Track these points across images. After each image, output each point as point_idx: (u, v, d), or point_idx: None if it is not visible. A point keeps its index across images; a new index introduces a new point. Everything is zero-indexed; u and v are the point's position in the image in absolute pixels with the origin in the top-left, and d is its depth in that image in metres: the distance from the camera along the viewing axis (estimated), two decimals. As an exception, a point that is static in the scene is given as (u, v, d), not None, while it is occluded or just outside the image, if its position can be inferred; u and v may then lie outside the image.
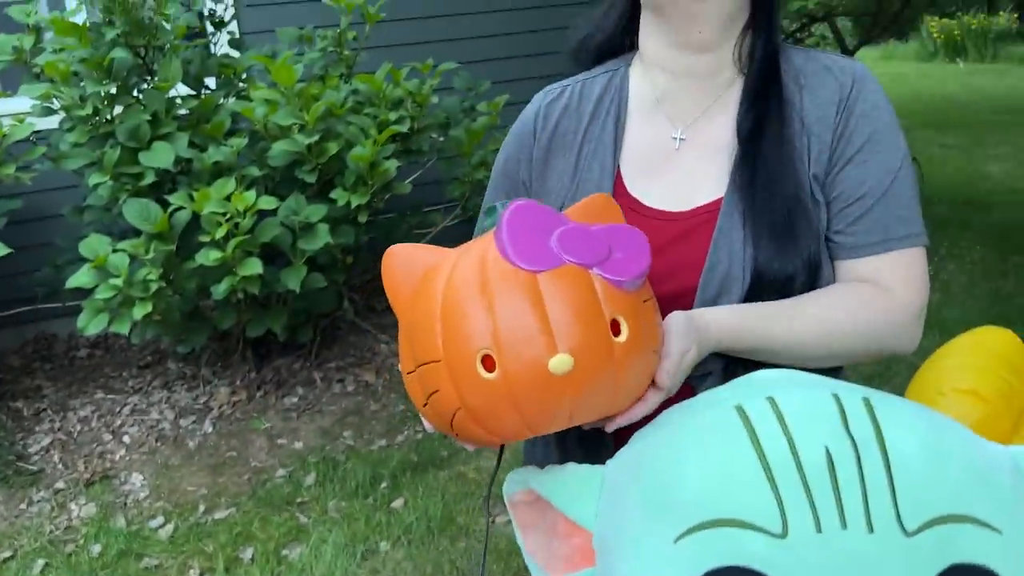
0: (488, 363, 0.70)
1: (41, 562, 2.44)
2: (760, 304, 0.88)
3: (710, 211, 0.93)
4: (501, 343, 0.69)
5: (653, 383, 0.78)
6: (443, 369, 0.71)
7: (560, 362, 0.68)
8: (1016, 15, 12.97)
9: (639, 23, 1.01)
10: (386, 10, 3.31)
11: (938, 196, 5.67)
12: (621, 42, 1.05)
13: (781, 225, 0.89)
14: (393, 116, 2.92)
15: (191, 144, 2.79)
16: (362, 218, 2.79)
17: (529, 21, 4.37)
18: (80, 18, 2.81)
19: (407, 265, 0.78)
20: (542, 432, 0.74)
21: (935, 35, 13.69)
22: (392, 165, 2.74)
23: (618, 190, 0.98)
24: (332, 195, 2.76)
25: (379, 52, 3.69)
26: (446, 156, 3.44)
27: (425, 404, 0.75)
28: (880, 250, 0.92)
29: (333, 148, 2.73)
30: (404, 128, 2.90)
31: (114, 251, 2.53)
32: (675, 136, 0.98)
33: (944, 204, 5.50)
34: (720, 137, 0.96)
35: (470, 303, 0.71)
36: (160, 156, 2.59)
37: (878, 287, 0.91)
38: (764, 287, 0.89)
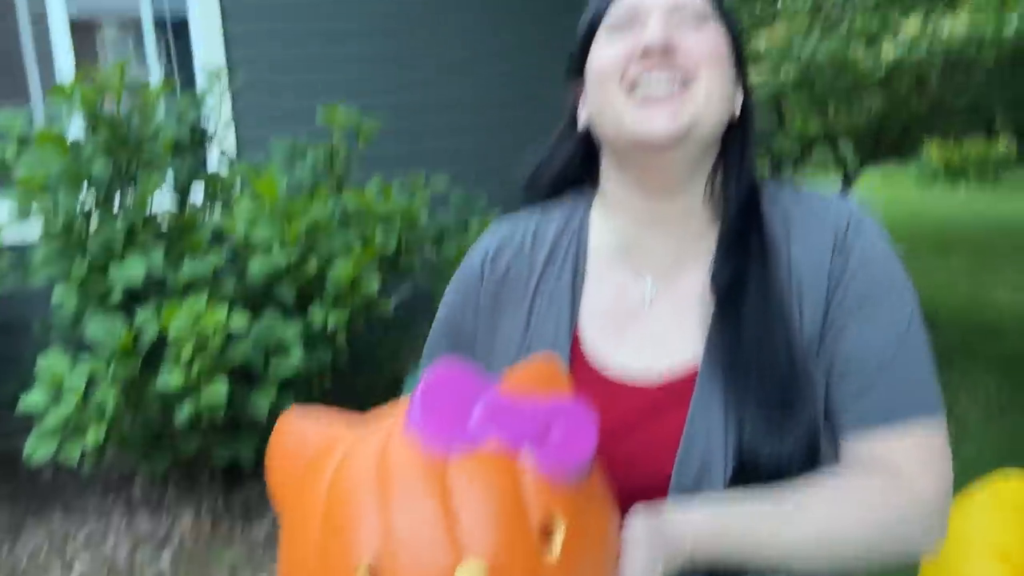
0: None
1: None
2: (746, 501, 0.72)
3: (685, 382, 0.78)
4: (393, 551, 0.54)
5: None
6: None
7: (471, 572, 0.53)
8: (1015, 144, 13.19)
9: (598, 157, 0.89)
10: (381, 122, 3.27)
11: (945, 321, 5.53)
12: (579, 175, 0.93)
13: (772, 399, 0.74)
14: (380, 233, 2.83)
15: (168, 257, 2.69)
16: (340, 338, 2.65)
17: (527, 136, 4.34)
18: (75, 130, 2.76)
19: (294, 447, 0.63)
20: None
21: (935, 160, 13.90)
22: (374, 284, 2.62)
23: (575, 354, 0.83)
24: (310, 314, 2.63)
25: (373, 163, 3.64)
26: (438, 273, 3.33)
27: None
28: (890, 427, 0.76)
29: (313, 265, 2.61)
30: (389, 247, 2.79)
31: (72, 370, 2.38)
32: (644, 292, 0.84)
33: (951, 329, 5.35)
34: (696, 293, 0.82)
35: (359, 501, 0.56)
36: (130, 271, 2.48)
37: (889, 473, 0.75)
38: (752, 474, 0.73)
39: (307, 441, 0.63)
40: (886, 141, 5.20)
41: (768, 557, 0.71)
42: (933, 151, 13.72)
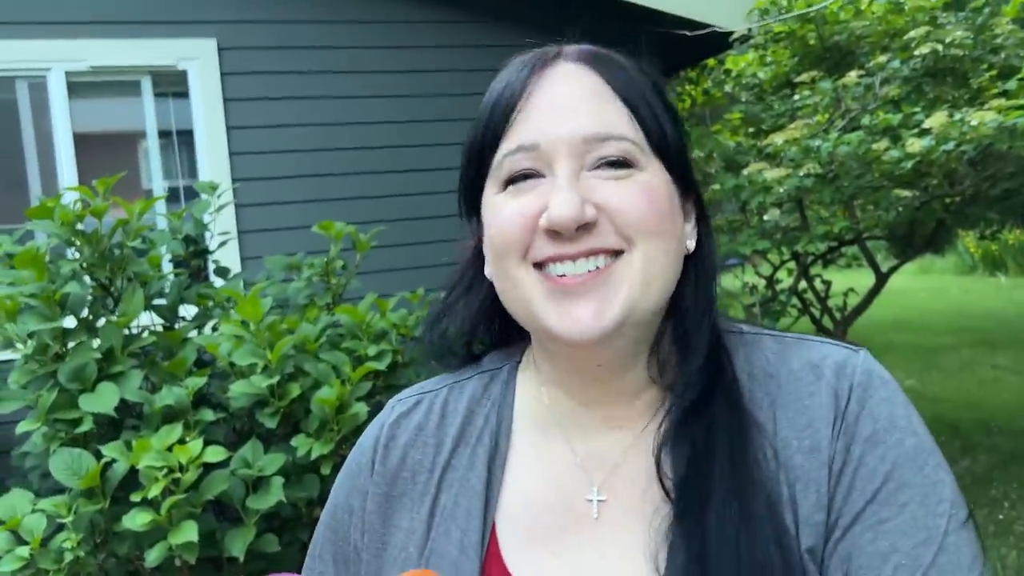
0: None
1: None
2: None
3: None
4: None
5: None
6: None
7: None
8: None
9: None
10: (379, 237, 3.15)
11: (996, 424, 5.16)
12: (502, 334, 0.72)
13: None
14: (373, 350, 2.65)
15: (148, 381, 2.53)
16: (325, 469, 2.44)
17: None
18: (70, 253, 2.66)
19: None
20: None
21: (972, 250, 13.57)
22: (362, 409, 2.43)
23: (491, 570, 0.62)
24: (293, 442, 2.43)
25: (372, 278, 3.51)
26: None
27: None
28: None
29: (296, 389, 2.43)
30: (383, 365, 2.61)
31: (34, 510, 2.19)
32: (590, 497, 0.63)
33: (1004, 435, 4.98)
34: (651, 493, 0.61)
35: None
36: (102, 400, 2.32)
37: None
38: None
39: None
40: (919, 235, 4.97)
41: None
42: (969, 242, 13.41)
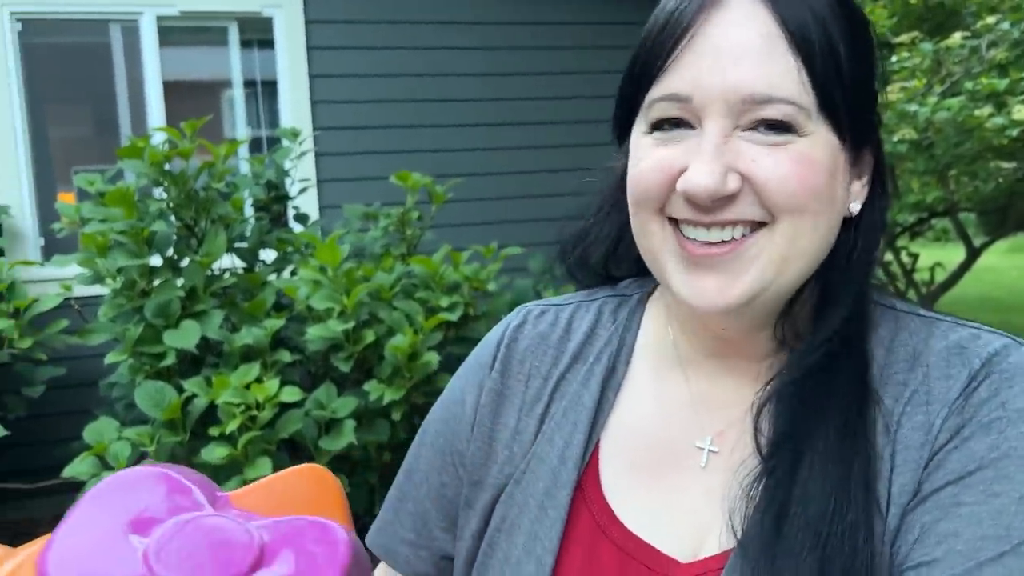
0: None
1: None
2: None
3: (715, 572, 0.56)
4: None
5: None
6: None
7: None
8: None
9: None
10: (456, 191, 3.15)
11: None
12: (641, 262, 0.70)
13: None
14: (446, 302, 2.66)
15: (228, 321, 2.60)
16: (396, 415, 2.48)
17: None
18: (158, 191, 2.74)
19: None
20: None
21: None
22: (433, 358, 2.45)
23: (587, 487, 0.61)
24: (366, 387, 2.47)
25: (447, 231, 3.52)
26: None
27: None
28: None
29: (370, 335, 2.47)
30: (454, 316, 2.62)
31: (119, 438, 2.28)
32: (700, 444, 0.61)
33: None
34: (752, 450, 0.59)
35: None
36: (185, 336, 2.39)
37: None
38: None
39: None
40: (1016, 211, 4.73)
41: None
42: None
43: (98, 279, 2.61)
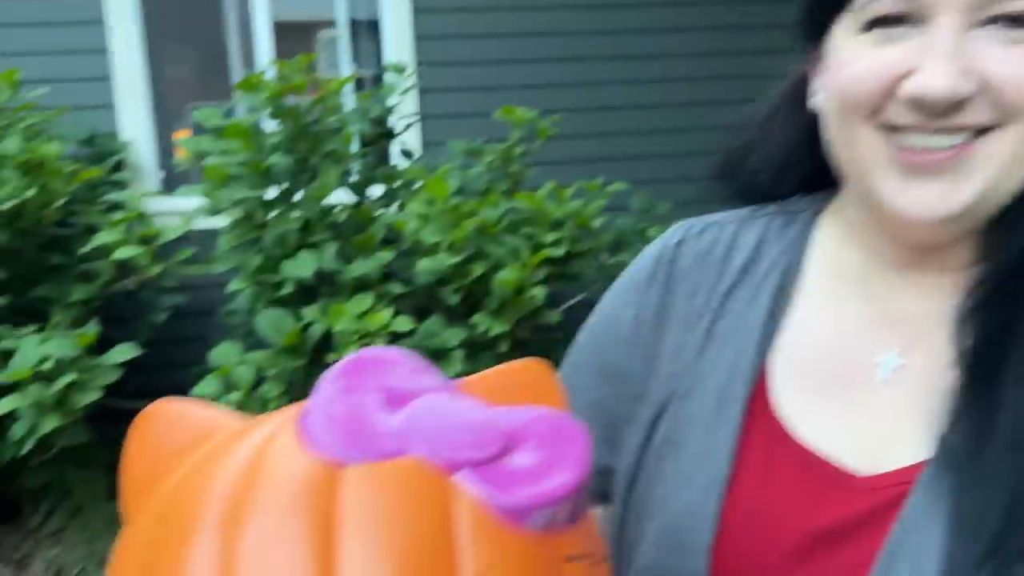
0: None
1: None
2: None
3: (899, 486, 0.55)
4: None
5: None
6: None
7: None
8: None
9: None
10: (561, 127, 3.13)
11: None
12: (812, 178, 0.66)
13: None
14: (550, 238, 2.68)
15: (340, 254, 2.68)
16: (503, 347, 2.52)
17: (713, 141, 4.06)
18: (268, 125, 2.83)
19: (165, 436, 0.44)
20: None
21: None
22: (540, 292, 2.48)
23: (758, 403, 0.61)
24: (473, 319, 2.52)
25: (551, 167, 3.51)
26: (611, 282, 3.14)
27: None
28: None
29: (479, 269, 2.51)
30: (559, 252, 2.63)
31: (241, 362, 2.40)
32: (878, 359, 0.60)
33: None
34: (944, 363, 0.57)
35: (201, 514, 0.37)
36: (302, 266, 2.48)
37: None
38: None
39: (178, 430, 0.44)
40: None
41: None
42: None
43: (218, 211, 2.73)
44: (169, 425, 0.44)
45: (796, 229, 0.66)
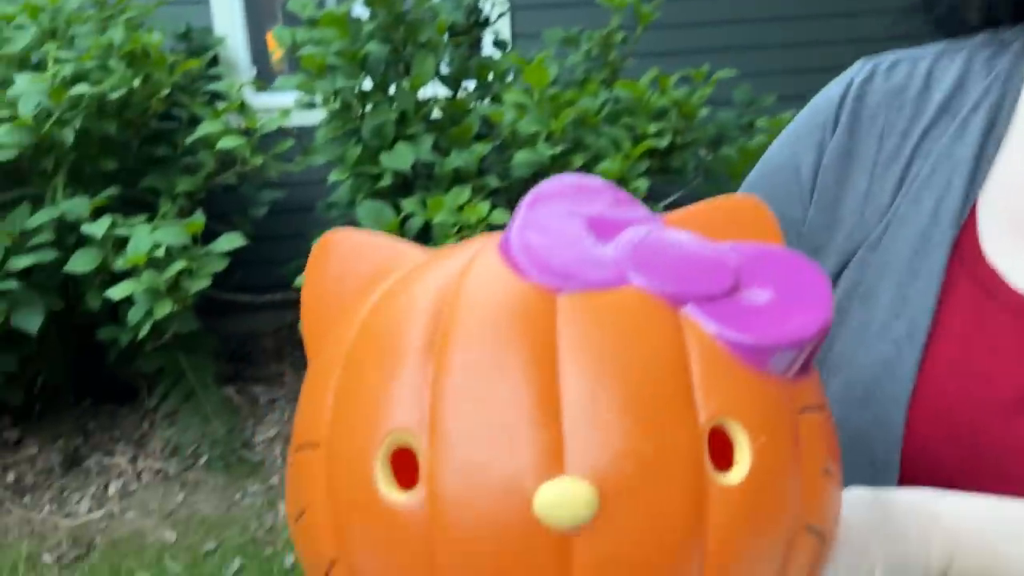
0: (404, 468, 0.34)
1: (238, 562, 2.39)
2: None
3: None
4: (440, 428, 0.32)
5: None
6: (320, 464, 0.35)
7: (564, 495, 0.30)
8: None
9: None
10: (661, 13, 2.97)
11: None
12: (1011, 9, 0.59)
13: None
14: (653, 128, 2.58)
15: (436, 147, 2.65)
16: (603, 242, 2.47)
17: (820, 31, 3.81)
18: (360, 10, 2.78)
19: (347, 264, 0.41)
20: None
21: None
22: (642, 184, 2.40)
23: (964, 249, 0.55)
24: (572, 213, 2.47)
25: (649, 59, 3.36)
26: (713, 177, 3.03)
27: (297, 521, 0.38)
28: None
29: (579, 160, 2.44)
30: (663, 143, 2.54)
31: (343, 253, 2.43)
32: None
33: None
34: None
35: (402, 340, 0.34)
36: (400, 158, 2.46)
37: None
38: None
39: (360, 260, 0.41)
40: None
41: None
42: None
43: (314, 104, 2.71)
44: (350, 255, 0.41)
45: (1007, 60, 0.59)
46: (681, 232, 0.37)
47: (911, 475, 0.52)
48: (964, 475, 0.50)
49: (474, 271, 0.36)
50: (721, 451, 0.33)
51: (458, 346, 0.33)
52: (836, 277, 0.60)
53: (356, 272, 0.40)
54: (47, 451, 2.86)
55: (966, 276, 0.54)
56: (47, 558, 2.42)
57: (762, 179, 0.67)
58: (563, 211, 0.37)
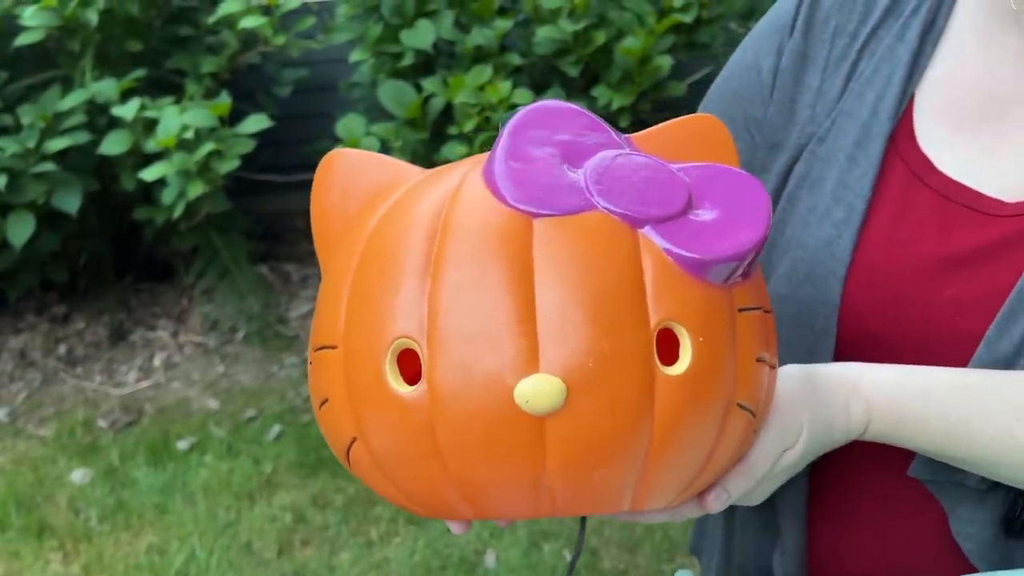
0: (408, 365, 0.42)
1: (277, 428, 2.56)
2: (959, 372, 0.52)
3: None
4: (437, 334, 0.40)
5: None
6: (338, 362, 0.44)
7: (539, 388, 0.38)
8: None
9: None
10: None
11: None
12: None
13: None
14: (679, 2, 2.52)
15: (457, 24, 2.62)
16: (624, 121, 2.47)
17: None
18: None
19: (349, 181, 0.49)
20: (491, 516, 0.44)
21: None
22: (666, 62, 2.37)
23: (900, 139, 0.60)
24: (593, 92, 2.46)
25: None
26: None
27: (321, 407, 0.48)
28: None
29: (601, 38, 2.41)
30: (689, 17, 2.49)
31: (367, 134, 2.46)
32: None
33: None
34: None
35: (402, 256, 0.42)
36: (420, 36, 2.45)
37: None
38: None
39: (366, 176, 0.48)
40: None
41: (955, 457, 0.52)
42: None
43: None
44: (352, 174, 0.48)
45: None
46: (642, 156, 0.42)
47: (847, 340, 0.58)
48: (891, 338, 0.57)
49: (462, 197, 0.43)
50: (669, 348, 0.41)
51: (449, 265, 0.41)
52: (789, 170, 0.65)
53: (358, 189, 0.48)
54: (94, 325, 3.02)
55: (900, 162, 0.59)
56: (102, 423, 2.60)
57: (728, 81, 0.71)
58: (540, 137, 0.42)
